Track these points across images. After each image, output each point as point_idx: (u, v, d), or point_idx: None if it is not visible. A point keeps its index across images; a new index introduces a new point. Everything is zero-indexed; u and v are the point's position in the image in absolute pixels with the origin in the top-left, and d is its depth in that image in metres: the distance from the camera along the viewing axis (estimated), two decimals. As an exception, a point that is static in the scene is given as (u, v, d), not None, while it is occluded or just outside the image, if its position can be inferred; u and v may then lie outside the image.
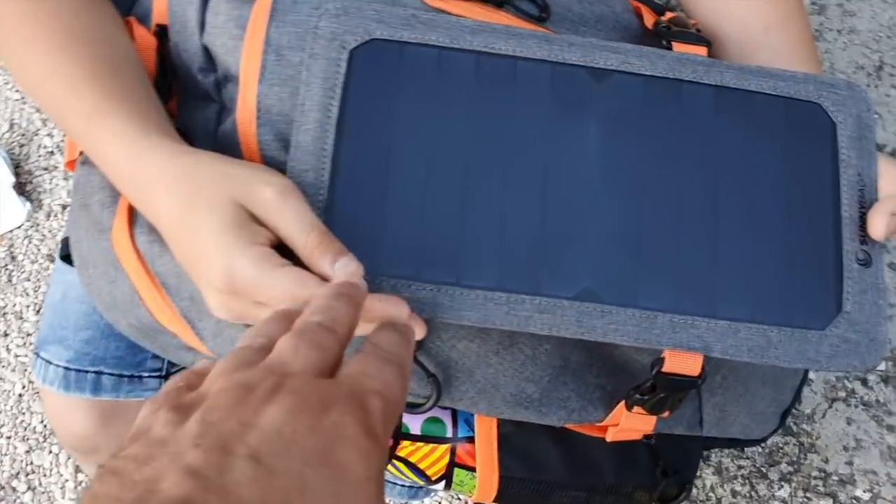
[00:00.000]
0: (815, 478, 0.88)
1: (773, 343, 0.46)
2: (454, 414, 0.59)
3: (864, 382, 0.89)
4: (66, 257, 0.56)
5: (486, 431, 0.57)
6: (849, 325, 0.47)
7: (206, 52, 0.49)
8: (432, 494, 0.76)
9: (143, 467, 0.24)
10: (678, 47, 0.51)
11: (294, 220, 0.40)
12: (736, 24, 0.57)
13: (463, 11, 0.48)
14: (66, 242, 0.56)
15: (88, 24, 0.49)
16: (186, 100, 0.52)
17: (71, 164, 0.54)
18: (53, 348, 0.63)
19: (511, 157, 0.45)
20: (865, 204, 0.49)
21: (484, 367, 0.49)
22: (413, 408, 0.50)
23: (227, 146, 0.48)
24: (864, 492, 0.87)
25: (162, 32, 0.51)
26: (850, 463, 0.88)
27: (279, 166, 0.46)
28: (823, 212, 0.48)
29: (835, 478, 0.88)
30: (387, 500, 0.94)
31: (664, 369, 0.46)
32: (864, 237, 0.48)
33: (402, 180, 0.44)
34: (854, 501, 0.87)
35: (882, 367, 0.89)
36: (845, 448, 0.88)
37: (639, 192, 0.46)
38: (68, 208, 0.96)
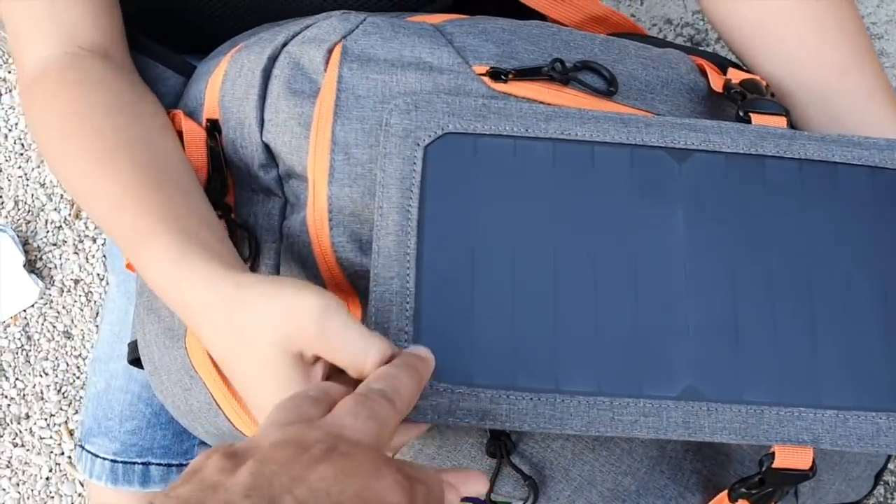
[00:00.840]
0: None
1: (883, 430, 0.44)
2: None
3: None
4: (136, 361, 0.55)
5: None
6: None
7: (267, 148, 0.49)
8: None
9: None
10: (757, 119, 0.49)
11: (344, 353, 0.36)
12: (813, 71, 0.55)
13: (529, 93, 0.47)
14: (134, 346, 0.55)
15: (129, 126, 0.47)
16: (246, 194, 0.51)
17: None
18: (99, 441, 0.63)
19: (598, 250, 0.44)
20: None
21: (580, 465, 0.48)
22: None
23: (296, 244, 0.48)
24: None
25: (213, 127, 0.51)
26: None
27: (355, 268, 0.45)
28: None
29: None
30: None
31: (775, 465, 0.44)
32: None
33: (488, 281, 0.42)
34: None
35: None
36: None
37: (730, 278, 0.44)
38: (105, 288, 0.96)
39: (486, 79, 0.47)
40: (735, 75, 0.53)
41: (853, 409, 0.44)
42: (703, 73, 0.54)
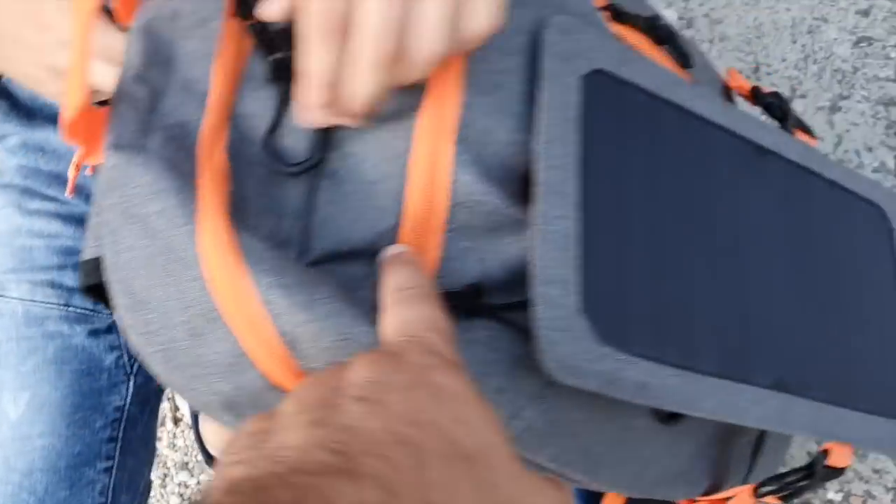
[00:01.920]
0: (786, 490, 0.87)
1: (894, 436, 0.47)
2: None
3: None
4: (93, 288, 0.39)
5: None
6: None
7: None
8: None
9: (266, 439, 0.23)
10: (799, 135, 0.52)
11: None
12: None
13: (637, 42, 0.45)
14: (95, 265, 0.38)
15: None
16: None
17: (91, 145, 0.39)
18: None
19: (715, 228, 0.43)
20: None
21: (648, 444, 0.46)
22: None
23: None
24: (836, 492, 0.86)
25: None
26: (816, 467, 0.87)
27: (470, 193, 0.37)
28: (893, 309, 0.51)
29: (805, 485, 0.86)
30: None
31: (828, 463, 0.46)
32: None
33: (640, 241, 0.40)
34: (829, 505, 0.86)
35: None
36: (809, 454, 0.87)
37: (797, 276, 0.46)
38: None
39: (605, 13, 0.45)
40: (741, 80, 0.56)
41: (877, 413, 0.47)
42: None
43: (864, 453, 0.86)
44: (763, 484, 0.48)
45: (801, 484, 0.48)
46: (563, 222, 0.37)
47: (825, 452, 0.46)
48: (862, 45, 0.96)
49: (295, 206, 0.37)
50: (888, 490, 0.85)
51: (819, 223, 0.49)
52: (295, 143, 0.38)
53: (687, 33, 0.97)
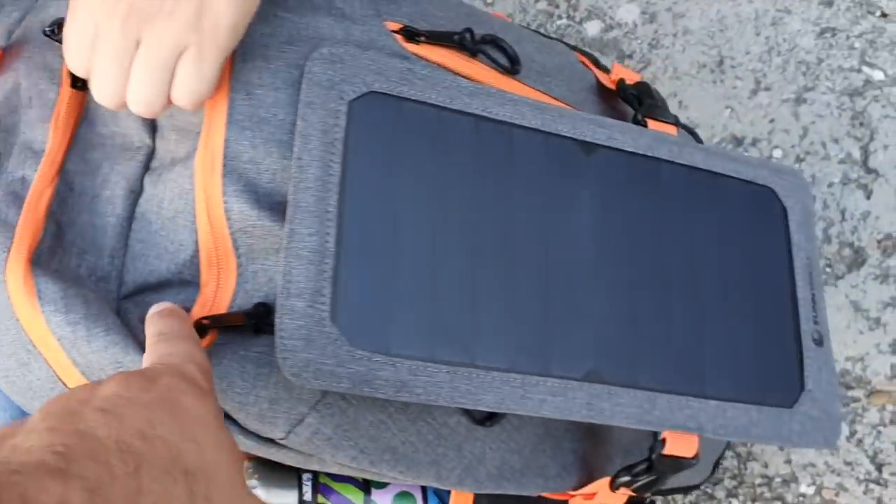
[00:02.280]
0: (759, 485, 0.86)
1: (754, 422, 0.46)
2: (423, 487, 0.56)
3: (782, 376, 0.88)
4: None
5: None
6: (812, 402, 0.49)
7: None
8: None
9: (3, 444, 0.24)
10: (652, 124, 0.52)
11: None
12: None
13: (440, 59, 0.47)
14: None
15: None
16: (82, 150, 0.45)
17: None
18: None
19: (514, 230, 0.44)
20: (814, 286, 0.52)
21: (472, 441, 0.47)
22: (493, 417, 0.48)
23: (162, 196, 0.43)
24: (808, 486, 0.86)
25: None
26: (788, 461, 0.86)
27: (246, 223, 0.41)
28: (783, 293, 0.50)
29: (778, 480, 0.86)
30: None
31: (665, 451, 0.46)
32: (816, 318, 0.51)
33: (409, 250, 0.41)
34: (801, 499, 0.86)
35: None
36: (781, 448, 0.87)
37: (629, 269, 0.46)
38: None
39: (398, 37, 0.46)
40: (623, 73, 0.56)
41: (731, 400, 0.47)
42: (589, 68, 0.57)
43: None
44: (617, 476, 0.48)
45: (646, 476, 0.47)
46: (312, 239, 0.39)
47: (662, 441, 0.46)
48: (826, 35, 0.95)
49: (112, 245, 0.43)
50: (860, 482, 0.85)
51: (672, 210, 0.48)
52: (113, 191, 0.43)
53: (650, 28, 0.96)
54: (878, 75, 0.95)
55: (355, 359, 0.39)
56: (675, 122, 0.54)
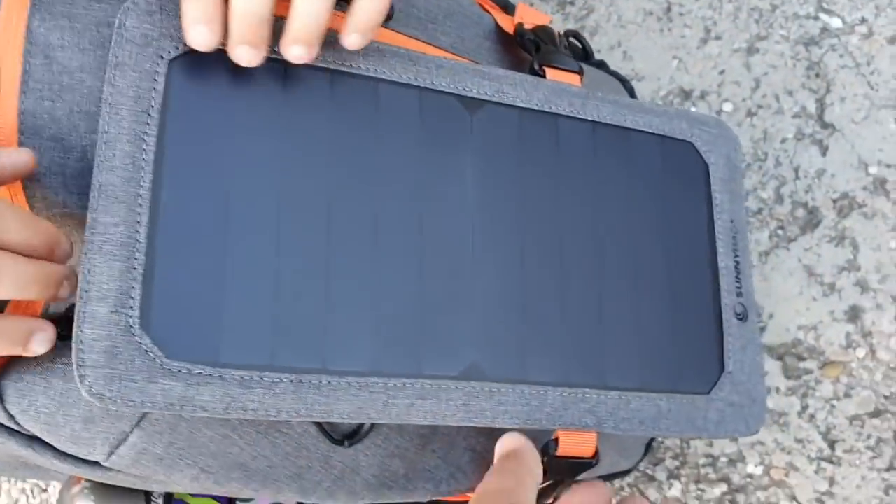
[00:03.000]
0: (703, 465, 0.80)
1: (664, 413, 0.42)
2: None
3: (729, 347, 0.81)
4: None
5: None
6: (732, 386, 0.44)
7: None
8: None
9: None
10: (552, 74, 0.46)
11: None
12: None
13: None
14: None
15: None
16: None
17: None
18: None
19: (379, 205, 0.37)
20: (738, 252, 0.46)
21: (341, 450, 0.41)
22: (355, 435, 0.42)
23: None
24: (756, 466, 0.79)
25: None
26: (735, 439, 0.80)
27: (52, 210, 0.36)
28: (701, 262, 0.45)
29: (723, 459, 0.80)
30: None
31: (558, 452, 0.41)
32: (740, 289, 0.46)
33: (246, 237, 0.35)
34: (748, 479, 0.79)
35: (743, 326, 0.81)
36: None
37: (519, 245, 0.40)
38: None
39: None
40: (527, 16, 0.50)
41: (635, 390, 0.41)
42: (487, 11, 0.50)
43: (785, 422, 0.79)
44: None
45: (546, 483, 0.43)
46: (118, 230, 0.33)
47: (556, 441, 0.41)
48: (781, -20, 0.88)
49: None
50: (812, 460, 0.79)
51: (573, 175, 0.42)
52: None
53: (591, -29, 0.88)
54: (835, 22, 0.87)
55: (171, 373, 0.33)
56: (580, 71, 0.47)
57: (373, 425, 0.41)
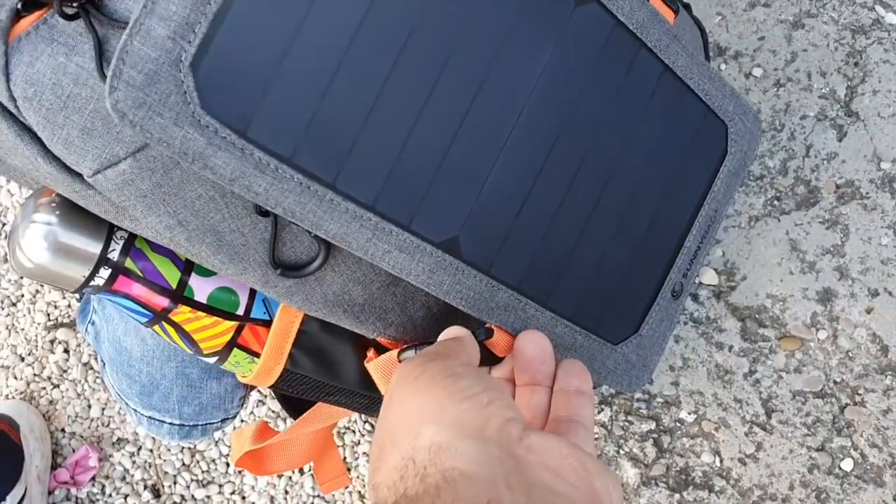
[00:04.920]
0: (638, 400, 0.81)
1: (576, 346, 0.44)
2: (253, 290, 0.50)
3: (696, 298, 0.82)
4: None
5: (286, 324, 0.48)
6: (636, 347, 0.46)
7: None
8: (210, 434, 0.65)
9: None
10: (654, 1, 0.46)
11: None
12: None
13: None
14: None
15: None
16: None
17: None
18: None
19: (452, 54, 0.36)
20: (704, 240, 0.48)
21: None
22: (301, 269, 0.42)
23: None
24: (689, 413, 0.80)
25: None
26: (675, 383, 0.81)
27: None
28: (674, 234, 0.46)
29: (659, 399, 0.81)
30: (157, 439, 0.82)
31: (486, 341, 0.42)
32: (688, 271, 0.48)
33: (319, 32, 0.33)
34: (678, 424, 0.80)
35: (714, 280, 0.82)
36: (672, 368, 0.81)
37: (549, 150, 0.40)
38: None
39: None
40: None
41: (566, 318, 0.43)
42: None
43: (729, 380, 0.80)
44: (407, 348, 0.44)
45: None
46: None
47: (488, 330, 0.41)
48: (846, -35, 0.88)
49: None
50: (745, 422, 0.79)
51: (625, 104, 0.42)
52: None
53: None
54: (890, 18, 0.86)
55: (199, 125, 0.32)
56: (676, 10, 0.47)
57: (319, 268, 0.42)
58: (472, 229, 0.39)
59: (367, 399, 0.53)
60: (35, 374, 0.86)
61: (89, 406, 0.85)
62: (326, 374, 0.50)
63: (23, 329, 0.86)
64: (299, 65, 0.33)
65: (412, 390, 0.31)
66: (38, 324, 0.86)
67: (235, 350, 0.48)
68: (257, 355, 0.49)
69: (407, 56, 0.35)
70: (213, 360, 0.49)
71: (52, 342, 0.86)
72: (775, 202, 0.83)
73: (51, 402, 0.85)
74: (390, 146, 0.36)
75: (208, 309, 0.46)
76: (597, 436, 0.80)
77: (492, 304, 0.40)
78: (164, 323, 0.46)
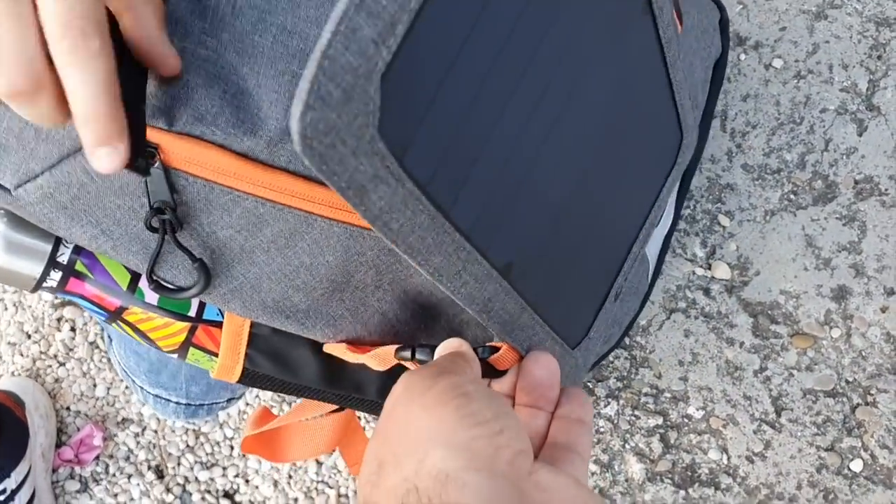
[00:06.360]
0: (645, 394, 0.80)
1: (556, 356, 0.42)
2: None
3: (707, 293, 0.81)
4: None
5: (235, 326, 0.47)
6: (584, 350, 0.46)
7: None
8: (215, 413, 0.65)
9: None
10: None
11: None
12: None
13: None
14: None
15: None
16: None
17: None
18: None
19: (550, 85, 0.34)
20: (644, 245, 0.48)
21: (246, 265, 0.41)
22: (175, 292, 0.41)
23: None
24: (697, 409, 0.79)
25: None
26: (684, 378, 0.80)
27: None
28: (628, 238, 0.47)
29: (667, 395, 0.80)
30: (162, 418, 0.82)
31: (490, 359, 0.39)
32: (629, 273, 0.49)
33: (470, 59, 0.29)
34: (686, 419, 0.79)
35: (727, 275, 0.80)
36: (681, 363, 0.80)
37: (589, 166, 0.39)
38: None
39: None
40: None
41: (555, 330, 0.43)
42: None
43: (739, 377, 0.79)
44: (402, 349, 0.43)
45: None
46: (392, 4, 0.26)
47: (494, 349, 0.40)
48: (872, -45, 0.85)
49: None
50: (754, 420, 0.78)
51: (635, 113, 0.42)
52: None
53: None
54: (915, 10, 0.84)
55: (370, 153, 0.26)
56: (682, 20, 0.49)
57: (193, 296, 0.41)
58: (524, 254, 0.37)
59: (336, 397, 0.52)
60: (41, 352, 0.85)
61: (95, 385, 0.85)
62: (286, 374, 0.49)
63: (30, 306, 0.86)
64: (450, 90, 0.29)
65: (420, 406, 0.30)
66: (46, 301, 0.86)
67: (192, 349, 0.49)
68: (215, 354, 0.49)
69: (528, 79, 0.33)
70: (174, 357, 0.49)
71: (58, 320, 0.86)
72: (791, 196, 0.81)
73: (56, 380, 0.85)
74: (493, 173, 0.32)
75: (159, 310, 0.46)
76: (603, 429, 0.80)
77: (515, 325, 0.39)
78: (120, 322, 0.47)
